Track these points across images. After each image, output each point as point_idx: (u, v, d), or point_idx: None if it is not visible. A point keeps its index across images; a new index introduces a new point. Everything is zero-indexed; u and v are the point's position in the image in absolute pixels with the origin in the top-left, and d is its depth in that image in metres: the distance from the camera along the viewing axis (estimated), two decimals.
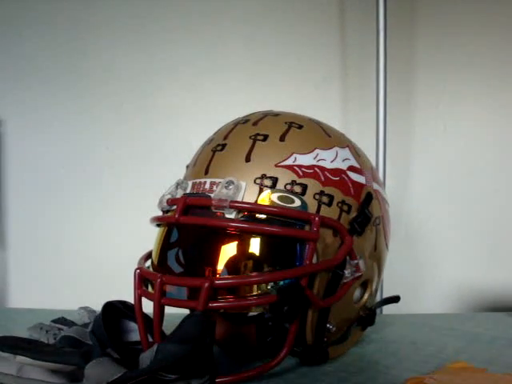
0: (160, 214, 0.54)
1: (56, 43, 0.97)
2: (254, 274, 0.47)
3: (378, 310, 0.60)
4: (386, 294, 0.77)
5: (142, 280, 0.50)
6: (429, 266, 0.96)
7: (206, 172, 0.51)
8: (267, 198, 0.47)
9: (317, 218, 0.46)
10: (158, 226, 0.54)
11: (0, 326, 0.70)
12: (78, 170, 0.98)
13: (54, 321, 0.58)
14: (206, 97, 0.97)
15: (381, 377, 0.49)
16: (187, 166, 0.56)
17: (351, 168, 0.52)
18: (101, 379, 0.39)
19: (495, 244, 0.97)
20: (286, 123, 0.52)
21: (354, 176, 0.52)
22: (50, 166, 0.98)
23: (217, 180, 0.49)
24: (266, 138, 0.51)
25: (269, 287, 0.45)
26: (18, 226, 0.98)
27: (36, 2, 0.97)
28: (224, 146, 0.52)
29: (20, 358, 0.44)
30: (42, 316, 0.60)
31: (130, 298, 0.51)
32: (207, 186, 0.49)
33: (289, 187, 0.48)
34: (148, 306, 0.48)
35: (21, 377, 0.41)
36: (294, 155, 0.50)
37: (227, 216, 0.47)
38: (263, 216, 0.47)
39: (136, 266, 0.51)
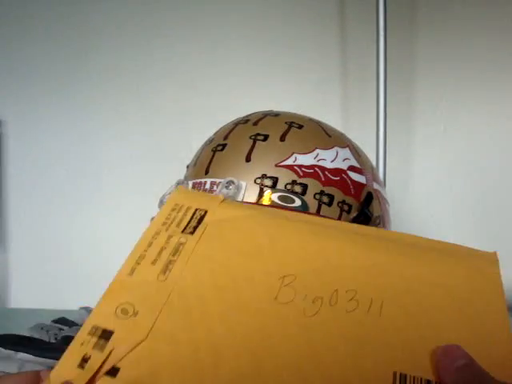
0: None
1: (56, 44, 0.97)
2: None
3: None
4: None
5: None
6: None
7: (207, 172, 0.51)
8: (267, 197, 0.48)
9: None
10: None
11: (0, 325, 0.70)
12: (78, 171, 0.98)
13: (55, 321, 0.58)
14: (206, 97, 0.97)
15: None
16: (187, 166, 0.56)
17: (351, 168, 0.52)
18: None
19: (495, 244, 0.97)
20: (286, 123, 0.52)
21: (354, 176, 0.52)
22: (51, 166, 0.98)
23: (217, 180, 0.49)
24: (266, 137, 0.51)
25: None
26: (18, 227, 0.98)
27: (36, 3, 0.97)
28: (224, 145, 0.52)
29: (21, 355, 0.44)
30: (42, 316, 0.60)
31: None
32: (207, 185, 0.49)
33: (289, 187, 0.48)
34: None
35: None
36: (295, 155, 0.50)
37: None
38: None
39: None
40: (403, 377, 0.26)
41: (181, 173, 0.57)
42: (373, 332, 0.28)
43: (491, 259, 0.33)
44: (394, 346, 0.28)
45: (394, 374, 0.26)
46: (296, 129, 0.52)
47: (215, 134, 0.56)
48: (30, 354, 0.43)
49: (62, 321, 0.58)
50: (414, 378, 0.26)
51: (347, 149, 0.54)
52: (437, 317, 0.29)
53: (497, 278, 0.31)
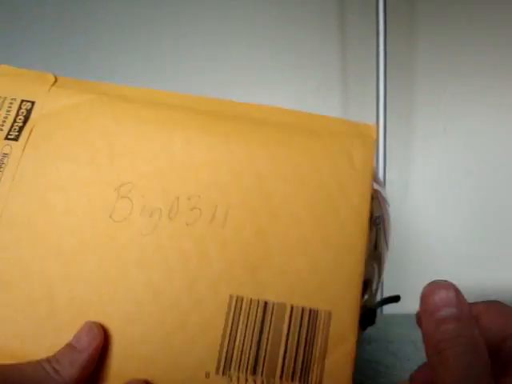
0: None
1: (56, 42, 0.97)
2: None
3: (378, 310, 0.60)
4: (386, 294, 0.76)
5: None
6: (429, 265, 0.96)
7: None
8: None
9: None
10: None
11: None
12: None
13: None
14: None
15: (381, 377, 0.49)
16: None
17: None
18: None
19: (495, 244, 0.97)
20: None
21: None
22: None
23: None
24: None
25: None
26: None
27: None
28: None
29: None
30: None
31: None
32: None
33: None
34: None
35: None
36: None
37: None
38: None
39: None
40: (240, 300, 0.24)
41: None
42: (212, 248, 0.24)
43: (365, 150, 0.29)
44: (233, 265, 0.24)
45: (231, 296, 0.24)
46: None
47: None
48: None
49: None
50: (251, 300, 0.24)
51: None
52: (288, 233, 0.25)
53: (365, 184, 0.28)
